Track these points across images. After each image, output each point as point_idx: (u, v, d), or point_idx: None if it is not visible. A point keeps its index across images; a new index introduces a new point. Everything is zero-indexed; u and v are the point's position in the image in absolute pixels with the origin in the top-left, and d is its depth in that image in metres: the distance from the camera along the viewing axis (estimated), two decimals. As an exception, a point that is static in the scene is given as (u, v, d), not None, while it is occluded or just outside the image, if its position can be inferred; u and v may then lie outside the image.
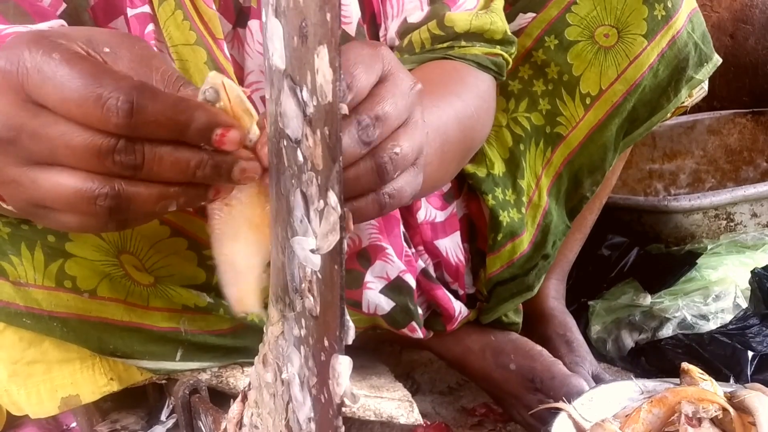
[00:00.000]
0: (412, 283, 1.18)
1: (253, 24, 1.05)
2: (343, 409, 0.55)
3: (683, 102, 1.31)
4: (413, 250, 1.21)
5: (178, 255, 1.05)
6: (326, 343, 0.55)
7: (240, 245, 0.63)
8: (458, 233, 1.25)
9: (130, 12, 0.98)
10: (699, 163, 2.11)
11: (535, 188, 1.28)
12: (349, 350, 0.54)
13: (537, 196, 1.28)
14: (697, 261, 1.51)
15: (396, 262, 1.15)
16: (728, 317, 1.40)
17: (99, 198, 0.56)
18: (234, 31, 1.06)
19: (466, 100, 0.99)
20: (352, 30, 1.07)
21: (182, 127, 0.55)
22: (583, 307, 1.54)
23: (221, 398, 1.05)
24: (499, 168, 1.24)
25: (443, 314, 1.24)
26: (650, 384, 1.07)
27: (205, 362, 1.11)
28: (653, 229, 1.65)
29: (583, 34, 1.23)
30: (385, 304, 1.17)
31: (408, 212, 1.19)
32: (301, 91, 0.52)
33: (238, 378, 1.11)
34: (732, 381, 1.21)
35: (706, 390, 0.97)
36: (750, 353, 1.29)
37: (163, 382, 1.15)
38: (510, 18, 1.24)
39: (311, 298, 0.56)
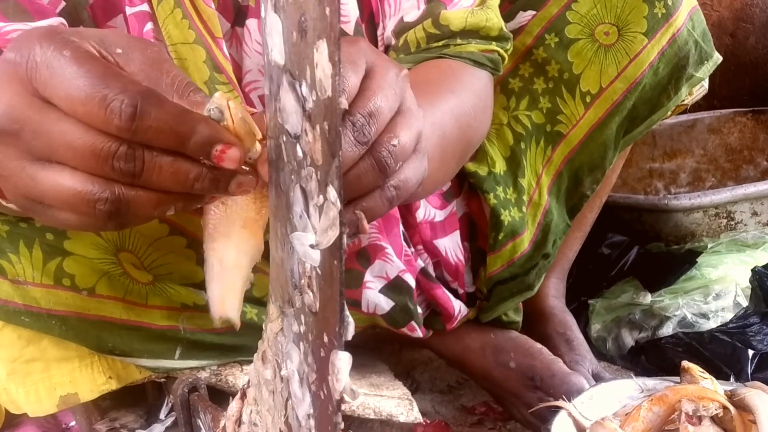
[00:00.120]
0: (412, 282, 1.18)
1: (251, 23, 1.05)
2: (343, 405, 0.54)
3: (683, 100, 1.31)
4: (412, 249, 1.21)
5: (177, 253, 1.05)
6: (326, 339, 0.55)
7: (232, 242, 0.63)
8: (458, 232, 1.25)
9: (128, 10, 0.98)
10: (699, 162, 2.11)
11: (536, 187, 1.28)
12: (348, 348, 0.54)
13: (537, 195, 1.28)
14: (698, 260, 1.51)
15: (395, 262, 1.15)
16: (728, 316, 1.39)
17: (99, 202, 0.56)
18: (232, 30, 1.06)
19: (462, 98, 0.99)
20: (350, 29, 1.07)
21: (183, 138, 0.55)
22: (583, 305, 1.54)
23: (220, 396, 1.05)
24: (500, 166, 1.24)
25: (443, 313, 1.24)
26: (650, 382, 1.07)
27: (204, 360, 1.11)
28: (653, 227, 1.65)
29: (583, 32, 1.23)
30: (385, 304, 1.17)
31: (407, 211, 1.19)
32: (300, 86, 0.52)
33: (237, 376, 1.11)
34: (732, 379, 1.21)
35: (706, 388, 0.97)
36: (750, 352, 1.29)
37: (162, 380, 1.15)
38: (510, 16, 1.24)
39: (311, 294, 0.56)
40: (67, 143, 0.55)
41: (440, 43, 1.06)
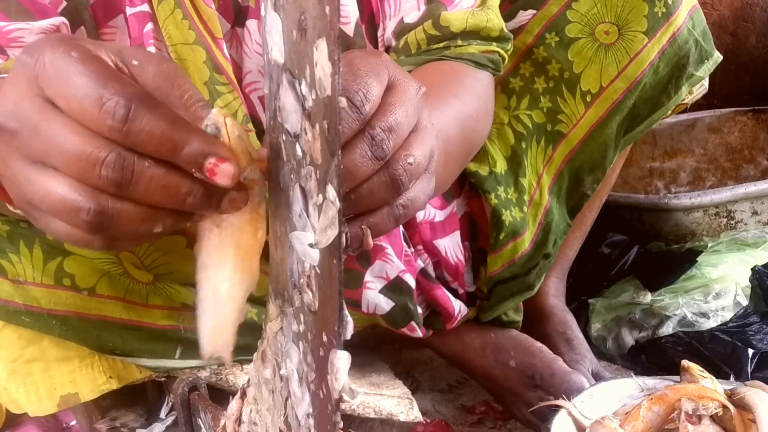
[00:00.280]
0: (412, 282, 1.17)
1: (251, 24, 1.05)
2: (342, 404, 0.54)
3: (684, 99, 1.31)
4: (412, 249, 1.21)
5: (177, 253, 1.05)
6: (325, 338, 0.55)
7: (226, 271, 0.60)
8: (458, 233, 1.25)
9: (129, 11, 0.98)
10: (699, 161, 2.11)
11: (537, 186, 1.28)
12: (348, 348, 0.54)
13: (538, 195, 1.28)
14: (698, 259, 1.51)
15: (395, 262, 1.15)
16: (728, 315, 1.40)
17: (82, 211, 0.54)
18: (232, 31, 1.05)
19: (465, 102, 0.99)
20: (350, 30, 1.07)
21: (176, 146, 0.53)
22: (584, 305, 1.54)
23: (220, 395, 1.05)
24: (501, 166, 1.24)
25: (443, 313, 1.24)
26: (650, 381, 1.07)
27: (205, 360, 1.11)
28: (653, 227, 1.65)
29: (583, 31, 1.23)
30: (385, 304, 1.17)
31: (407, 212, 1.19)
32: (300, 84, 0.52)
33: (237, 375, 1.11)
34: (732, 379, 1.21)
35: (706, 387, 0.97)
36: (750, 351, 1.28)
37: (163, 379, 1.15)
38: (510, 15, 1.24)
39: (310, 294, 0.56)
40: (60, 145, 0.53)
41: (441, 45, 1.05)
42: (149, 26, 0.98)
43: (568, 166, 1.29)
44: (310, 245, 0.54)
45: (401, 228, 1.17)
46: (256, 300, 1.08)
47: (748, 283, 1.42)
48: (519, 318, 1.32)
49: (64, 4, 0.95)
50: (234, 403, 0.76)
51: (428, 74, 1.02)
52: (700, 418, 0.94)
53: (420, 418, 1.16)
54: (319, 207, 0.52)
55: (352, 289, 1.15)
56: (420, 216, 1.20)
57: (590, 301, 1.54)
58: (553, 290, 1.42)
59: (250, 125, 1.04)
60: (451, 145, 0.91)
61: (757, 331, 1.32)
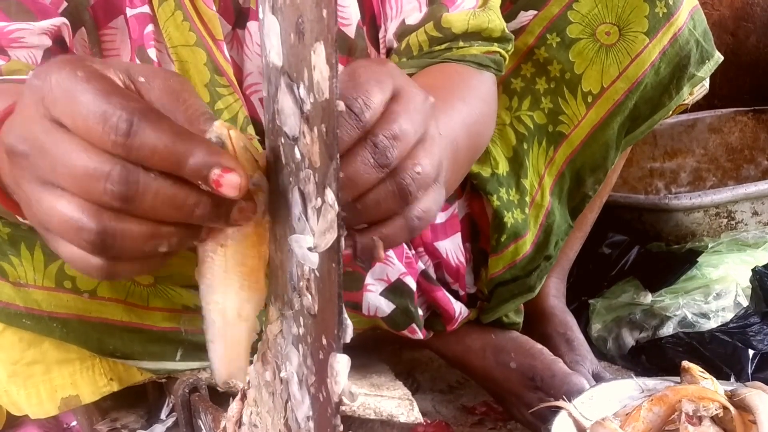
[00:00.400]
0: (413, 285, 1.17)
1: (252, 25, 1.05)
2: (342, 407, 0.54)
3: (684, 100, 1.31)
4: (413, 251, 1.21)
5: (178, 255, 1.04)
6: (324, 341, 0.55)
7: (233, 291, 0.59)
8: (459, 234, 1.25)
9: (129, 12, 0.98)
10: (700, 162, 2.11)
11: (538, 188, 1.28)
12: (349, 348, 0.54)
13: (540, 196, 1.28)
14: (698, 259, 1.51)
15: (396, 264, 1.15)
16: (729, 316, 1.39)
17: (85, 231, 0.53)
18: (233, 33, 1.05)
19: (472, 105, 0.99)
20: (351, 32, 1.06)
21: (180, 158, 0.52)
22: (584, 305, 1.54)
23: (221, 397, 1.05)
24: (503, 167, 1.24)
25: (443, 315, 1.24)
26: (651, 382, 1.07)
27: (206, 362, 1.11)
28: (654, 227, 1.65)
29: (584, 31, 1.23)
30: (386, 307, 1.16)
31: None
32: (298, 88, 0.52)
33: (238, 377, 1.11)
34: (733, 379, 1.21)
35: (706, 388, 0.97)
36: (751, 352, 1.29)
37: (163, 381, 1.15)
38: (511, 16, 1.24)
39: (309, 297, 0.56)
40: (65, 164, 0.53)
41: (443, 46, 1.05)
42: (150, 28, 0.98)
43: (570, 167, 1.29)
44: (309, 249, 0.54)
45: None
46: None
47: (749, 284, 1.42)
48: (519, 319, 1.32)
49: (65, 4, 0.95)
50: (234, 405, 0.76)
51: (433, 78, 1.01)
52: (700, 419, 0.94)
53: (420, 419, 1.16)
54: (318, 210, 0.52)
55: (352, 291, 1.15)
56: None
57: (590, 301, 1.54)
58: (554, 291, 1.42)
59: (251, 128, 1.04)
60: (459, 151, 0.90)
61: (757, 331, 1.32)
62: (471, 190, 1.26)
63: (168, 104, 0.56)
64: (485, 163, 1.22)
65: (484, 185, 1.22)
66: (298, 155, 0.53)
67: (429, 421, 1.22)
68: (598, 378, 1.25)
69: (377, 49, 1.10)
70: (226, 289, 0.59)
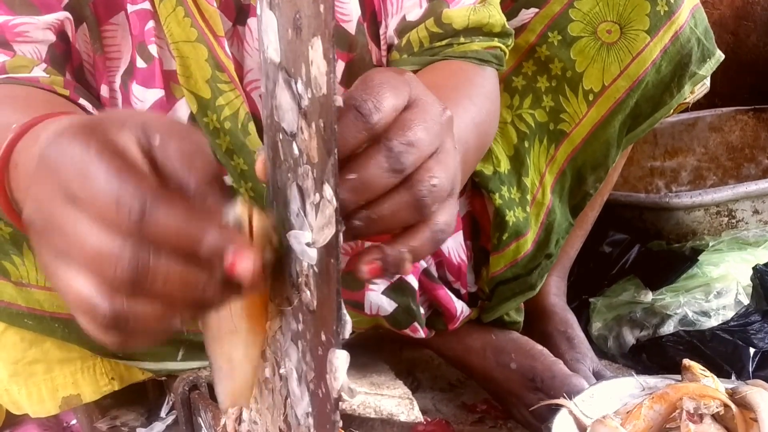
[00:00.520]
0: (415, 283, 1.17)
1: (252, 22, 1.05)
2: (341, 404, 0.54)
3: (686, 98, 1.31)
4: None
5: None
6: (323, 337, 0.55)
7: (239, 338, 0.59)
8: (461, 232, 1.25)
9: (130, 8, 0.98)
10: (700, 161, 2.11)
11: (539, 186, 1.28)
12: (349, 348, 0.53)
13: (541, 194, 1.28)
14: (699, 258, 1.51)
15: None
16: (730, 314, 1.39)
17: (98, 313, 0.52)
18: (234, 29, 1.05)
19: (478, 105, 0.99)
20: (351, 28, 1.06)
21: (193, 242, 0.50)
22: (584, 304, 1.54)
23: (221, 395, 1.05)
24: (504, 165, 1.24)
25: (445, 314, 1.24)
26: (651, 380, 1.07)
27: (207, 361, 1.11)
28: (654, 226, 1.65)
29: (585, 30, 1.22)
30: (387, 305, 1.16)
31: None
32: (295, 83, 0.52)
33: (238, 375, 1.11)
34: (733, 377, 1.21)
35: (707, 386, 0.97)
36: (751, 350, 1.28)
37: (163, 378, 1.15)
38: (512, 14, 1.23)
39: (308, 293, 0.56)
40: (79, 244, 0.52)
41: (443, 42, 1.05)
42: (150, 24, 0.98)
43: (571, 165, 1.29)
44: (308, 244, 0.54)
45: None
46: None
47: (750, 282, 1.42)
48: (520, 318, 1.32)
49: (66, 0, 0.95)
50: (234, 403, 0.76)
51: (439, 76, 1.01)
52: (701, 417, 0.94)
53: (420, 418, 1.16)
54: (316, 206, 0.52)
55: (354, 290, 1.14)
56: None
57: (591, 300, 1.54)
58: (554, 289, 1.42)
59: (252, 125, 1.04)
60: (468, 152, 0.90)
61: (758, 330, 1.32)
62: (472, 188, 1.25)
63: (182, 170, 0.54)
64: (487, 161, 1.22)
65: (486, 183, 1.22)
66: (296, 151, 0.53)
67: (429, 420, 1.22)
68: (598, 376, 1.25)
69: (378, 45, 1.10)
70: (231, 338, 0.59)
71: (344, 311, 0.53)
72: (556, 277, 1.42)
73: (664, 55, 1.24)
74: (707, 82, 1.33)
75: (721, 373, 1.16)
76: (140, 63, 0.99)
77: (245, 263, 0.50)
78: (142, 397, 1.28)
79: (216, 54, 1.00)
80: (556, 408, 1.02)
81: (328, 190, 0.51)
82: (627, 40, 1.22)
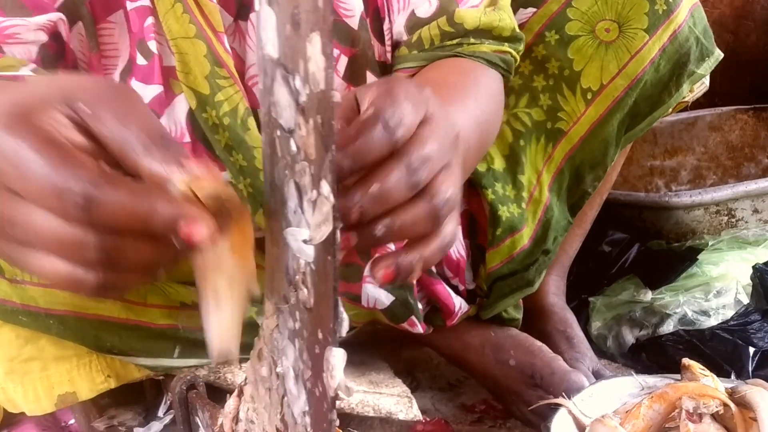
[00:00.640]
0: (412, 277, 1.17)
1: (254, 17, 1.04)
2: (339, 403, 0.54)
3: (684, 97, 1.30)
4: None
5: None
6: (320, 335, 0.55)
7: (224, 273, 0.60)
8: (459, 228, 1.25)
9: (129, 5, 0.98)
10: (700, 160, 2.11)
11: (536, 184, 1.27)
12: (348, 346, 0.53)
13: (538, 192, 1.28)
14: (698, 257, 1.51)
15: (395, 255, 1.15)
16: (729, 313, 1.39)
17: (82, 285, 0.54)
18: (235, 24, 1.05)
19: (482, 104, 0.99)
20: (354, 23, 1.06)
21: (145, 219, 0.51)
22: (584, 303, 1.54)
23: (218, 394, 1.05)
24: (499, 163, 1.24)
25: (443, 309, 1.24)
26: (651, 380, 1.06)
27: (203, 359, 1.11)
28: (654, 225, 1.65)
29: (583, 28, 1.22)
30: (385, 298, 1.16)
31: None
32: (293, 79, 0.51)
33: (235, 373, 1.11)
34: (733, 377, 1.21)
35: (707, 386, 0.97)
36: (751, 349, 1.28)
37: (161, 378, 1.15)
38: (511, 13, 1.23)
39: (305, 290, 0.56)
40: (39, 234, 0.52)
41: (454, 42, 1.06)
42: (150, 20, 0.98)
43: (569, 163, 1.28)
44: (305, 241, 0.54)
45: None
46: (256, 298, 1.08)
47: (749, 282, 1.42)
48: (519, 315, 1.32)
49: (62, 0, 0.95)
50: (231, 401, 0.75)
51: (446, 73, 1.02)
52: (701, 416, 0.94)
53: (419, 416, 1.16)
54: (313, 203, 0.52)
55: (352, 282, 1.14)
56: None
57: (590, 299, 1.54)
58: (554, 288, 1.42)
59: (252, 119, 1.03)
60: (470, 151, 0.91)
61: (758, 329, 1.32)
62: (469, 186, 1.25)
63: (120, 134, 0.54)
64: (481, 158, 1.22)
65: (479, 179, 1.22)
66: (293, 147, 0.53)
67: (428, 419, 1.22)
68: (598, 375, 1.25)
69: (381, 41, 1.10)
70: (217, 273, 0.60)
71: (341, 309, 0.53)
72: (555, 276, 1.42)
73: (662, 53, 1.24)
74: (706, 81, 1.33)
75: (721, 372, 1.15)
76: (140, 60, 0.99)
77: (199, 230, 0.52)
78: (140, 397, 1.28)
79: (215, 50, 1.00)
80: (556, 406, 1.02)
81: (325, 187, 0.51)
82: (625, 38, 1.22)
